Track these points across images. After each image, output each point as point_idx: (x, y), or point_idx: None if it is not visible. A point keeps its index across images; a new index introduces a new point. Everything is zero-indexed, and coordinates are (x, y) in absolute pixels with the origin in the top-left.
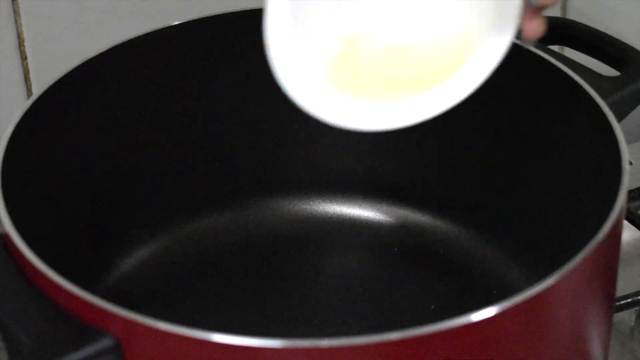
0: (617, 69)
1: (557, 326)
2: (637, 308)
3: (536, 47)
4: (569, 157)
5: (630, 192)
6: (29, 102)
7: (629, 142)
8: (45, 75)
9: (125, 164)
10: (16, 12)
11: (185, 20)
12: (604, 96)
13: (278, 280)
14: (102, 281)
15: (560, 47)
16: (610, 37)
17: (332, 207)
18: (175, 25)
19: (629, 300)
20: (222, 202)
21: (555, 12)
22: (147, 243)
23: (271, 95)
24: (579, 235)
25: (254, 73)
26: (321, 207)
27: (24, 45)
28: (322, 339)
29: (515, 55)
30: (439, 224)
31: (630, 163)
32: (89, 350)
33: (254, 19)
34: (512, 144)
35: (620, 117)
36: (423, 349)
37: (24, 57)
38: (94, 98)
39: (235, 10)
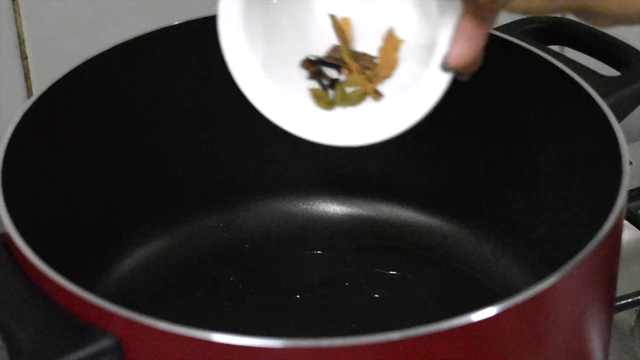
0: (617, 69)
1: (557, 326)
2: (637, 308)
3: (536, 47)
4: (570, 157)
5: (630, 192)
6: (29, 102)
7: (629, 142)
8: (45, 75)
9: (126, 164)
10: (16, 12)
11: (185, 20)
12: (604, 96)
13: (278, 280)
14: (102, 281)
15: (560, 47)
16: (610, 37)
17: (332, 207)
18: (175, 25)
19: (629, 300)
20: (222, 202)
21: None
22: (147, 243)
23: None
24: (579, 235)
25: None
26: (321, 207)
27: (24, 45)
28: (322, 339)
29: (516, 55)
30: (439, 224)
31: (631, 163)
32: (89, 350)
33: None
34: (512, 143)
35: (620, 117)
36: (423, 349)
37: (24, 57)
38: (93, 98)
39: None
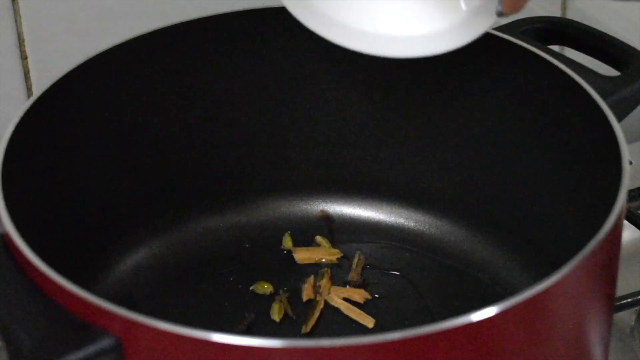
0: (617, 69)
1: (557, 326)
2: (637, 308)
3: (536, 47)
4: (569, 157)
5: (630, 192)
6: (29, 102)
7: (629, 142)
8: (45, 75)
9: (125, 164)
10: (16, 12)
11: (185, 20)
12: (604, 96)
13: (278, 280)
14: (102, 281)
15: (560, 47)
16: (610, 37)
17: (332, 207)
18: (175, 25)
19: (629, 300)
20: (222, 202)
21: (555, 12)
22: (147, 243)
23: (272, 94)
24: (579, 235)
25: (254, 72)
26: (321, 207)
27: (24, 45)
28: (322, 339)
29: (516, 55)
30: (439, 224)
31: (630, 163)
32: (89, 350)
33: (254, 19)
34: (512, 143)
35: (620, 117)
36: (423, 349)
37: (24, 57)
38: (94, 98)
39: (235, 10)
